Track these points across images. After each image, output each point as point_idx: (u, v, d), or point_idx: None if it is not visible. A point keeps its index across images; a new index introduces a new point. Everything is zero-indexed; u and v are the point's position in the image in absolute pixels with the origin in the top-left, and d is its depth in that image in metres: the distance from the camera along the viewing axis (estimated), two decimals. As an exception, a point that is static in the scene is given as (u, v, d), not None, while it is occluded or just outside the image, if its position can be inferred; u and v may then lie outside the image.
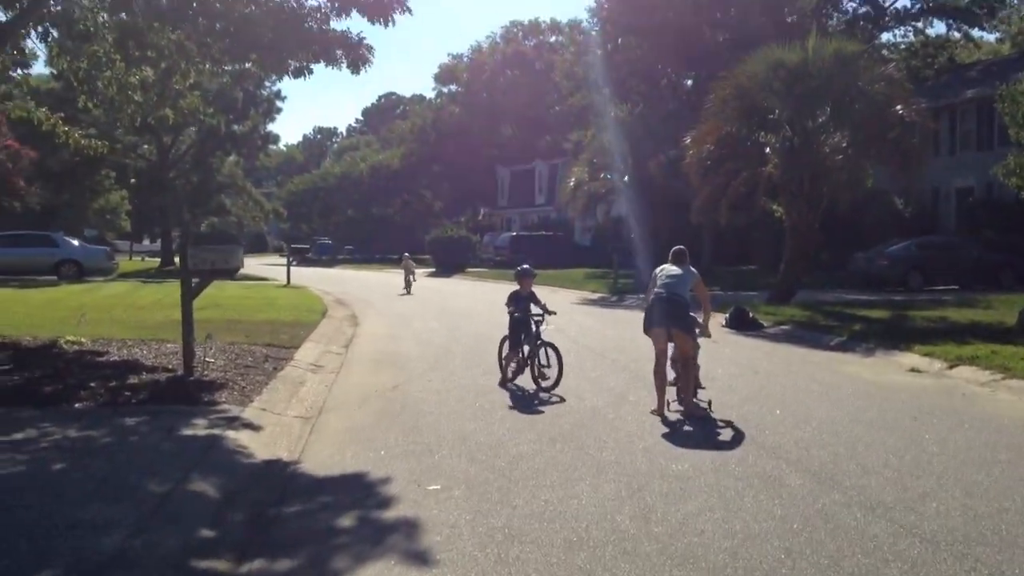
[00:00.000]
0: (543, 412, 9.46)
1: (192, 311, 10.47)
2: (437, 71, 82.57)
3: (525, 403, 9.96)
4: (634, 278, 30.48)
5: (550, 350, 10.65)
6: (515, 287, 11.50)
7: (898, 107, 19.75)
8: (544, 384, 10.48)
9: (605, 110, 37.64)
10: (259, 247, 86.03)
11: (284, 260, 36.86)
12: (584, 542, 5.42)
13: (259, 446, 7.76)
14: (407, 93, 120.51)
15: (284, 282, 31.48)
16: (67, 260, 30.75)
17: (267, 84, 40.73)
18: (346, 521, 5.94)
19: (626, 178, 29.17)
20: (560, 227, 53.66)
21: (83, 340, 12.37)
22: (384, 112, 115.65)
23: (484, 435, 8.32)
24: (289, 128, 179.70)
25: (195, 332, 10.81)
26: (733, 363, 13.11)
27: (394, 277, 40.21)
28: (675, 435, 8.34)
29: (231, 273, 10.37)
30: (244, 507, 6.19)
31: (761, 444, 7.89)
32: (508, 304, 11.14)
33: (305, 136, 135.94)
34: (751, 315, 18.42)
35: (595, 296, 28.10)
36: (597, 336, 16.65)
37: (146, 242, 74.69)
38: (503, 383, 10.96)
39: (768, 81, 20.14)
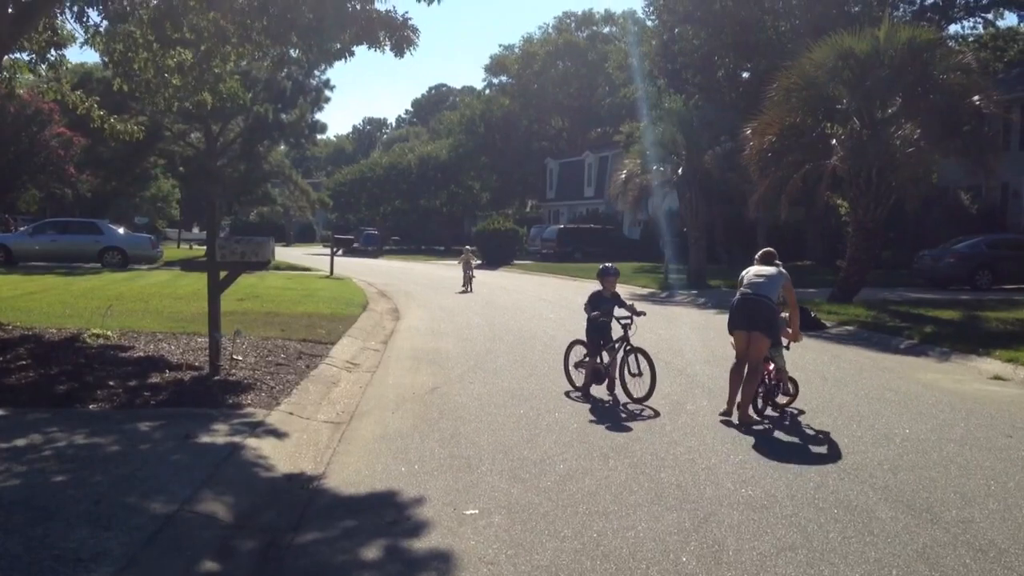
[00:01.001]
0: (593, 423, 8.64)
1: (219, 305, 9.82)
2: (488, 61, 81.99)
3: (574, 412, 9.14)
4: (685, 274, 29.54)
5: (640, 356, 9.53)
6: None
7: (975, 98, 18.56)
8: (636, 396, 9.38)
9: (659, 101, 36.62)
10: (307, 237, 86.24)
11: (329, 250, 36.30)
12: (644, 589, 4.62)
13: (282, 457, 7.06)
14: (458, 85, 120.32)
15: (327, 273, 30.95)
16: (111, 248, 30.53)
17: (316, 73, 40.30)
18: (370, 552, 5.19)
19: (680, 171, 28.10)
20: (609, 220, 52.71)
21: (109, 333, 11.80)
22: (434, 104, 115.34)
23: (528, 448, 7.54)
24: (339, 119, 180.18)
25: (223, 327, 10.19)
26: (798, 368, 12.13)
27: (440, 269, 39.65)
28: (740, 452, 7.47)
29: (261, 266, 9.70)
30: (257, 533, 5.48)
31: (841, 465, 7.01)
32: (588, 306, 9.90)
33: (355, 127, 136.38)
34: (813, 314, 17.42)
35: (644, 291, 27.16)
36: (648, 335, 15.63)
37: (195, 230, 75.16)
38: (577, 390, 9.93)
39: (837, 70, 19.08)
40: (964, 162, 19.28)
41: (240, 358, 10.42)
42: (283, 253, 54.05)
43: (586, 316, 9.91)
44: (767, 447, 7.66)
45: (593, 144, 64.72)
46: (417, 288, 27.12)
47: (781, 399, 9.23)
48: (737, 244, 37.69)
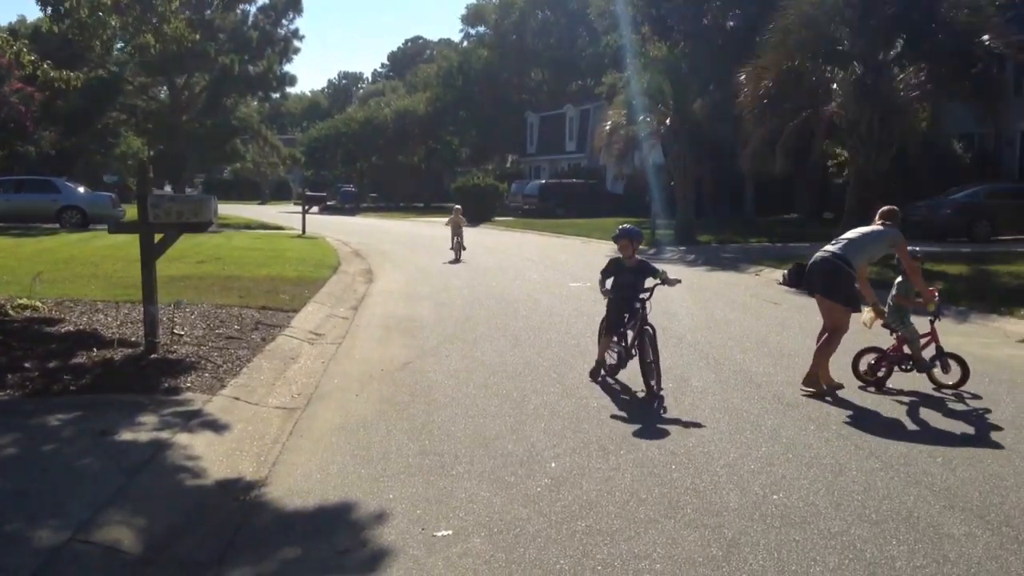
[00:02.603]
0: (586, 404, 7.48)
1: (154, 272, 8.54)
2: (465, 12, 79.89)
3: (564, 391, 7.97)
4: (672, 230, 28.39)
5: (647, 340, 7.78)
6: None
7: (985, 37, 17.35)
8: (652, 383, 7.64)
9: (643, 49, 35.19)
10: (283, 195, 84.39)
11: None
12: (670, 653, 3.49)
13: (217, 457, 5.88)
14: (434, 37, 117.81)
15: (300, 232, 29.59)
16: (70, 207, 28.97)
17: (284, 22, 38.48)
18: (311, 598, 4.04)
19: (668, 121, 26.77)
20: (591, 175, 51.35)
21: (39, 303, 10.51)
22: (410, 57, 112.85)
23: (513, 440, 6.39)
24: (313, 73, 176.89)
25: (176, 293, 8.95)
26: (806, 332, 11.03)
27: (418, 227, 38.31)
28: (763, 443, 6.33)
29: (201, 227, 8.44)
30: (170, 568, 4.31)
31: (885, 460, 5.89)
32: (604, 277, 8.18)
33: (330, 81, 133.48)
34: (814, 272, 16.31)
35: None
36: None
37: (167, 188, 73.23)
38: (595, 375, 8.21)
39: (837, 8, 17.80)
40: (974, 106, 18.09)
41: (182, 332, 9.19)
42: (257, 211, 52.49)
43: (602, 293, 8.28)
44: (791, 434, 6.52)
45: (574, 97, 63.06)
46: (394, 247, 25.85)
47: (942, 378, 7.99)
48: (725, 199, 36.56)
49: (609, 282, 8.20)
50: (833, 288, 7.85)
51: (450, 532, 4.69)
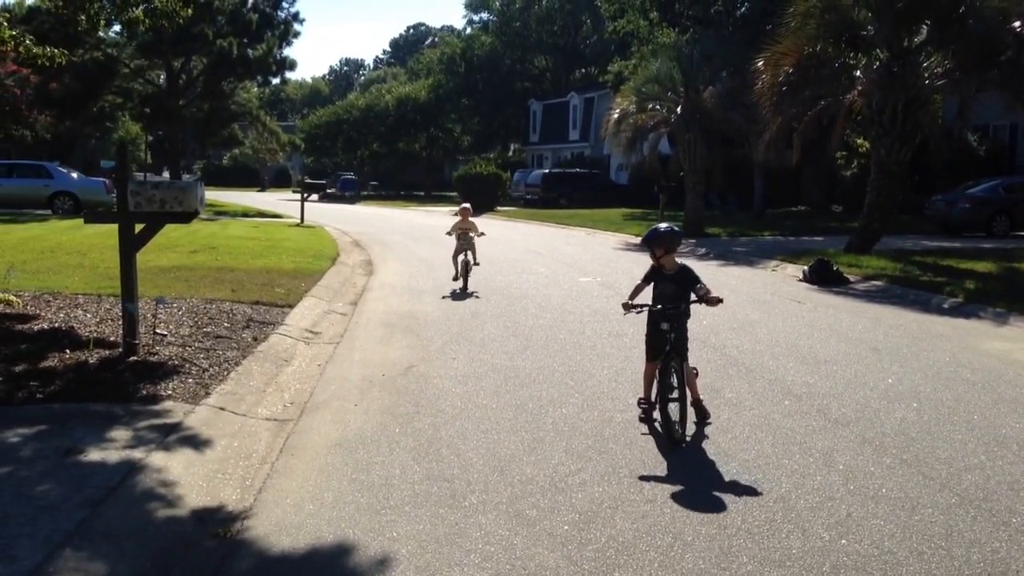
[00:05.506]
0: (609, 419, 6.73)
1: (134, 267, 7.83)
2: (468, -2, 78.87)
3: (584, 403, 7.23)
4: (681, 222, 27.60)
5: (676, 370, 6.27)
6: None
7: (1015, 24, 16.57)
8: (676, 435, 6.06)
9: (652, 36, 34.39)
10: (283, 182, 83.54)
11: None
12: None
13: (196, 481, 5.15)
14: (437, 24, 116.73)
15: (298, 220, 28.79)
16: (62, 192, 28.14)
17: (284, 4, 37.61)
18: None
19: (678, 109, 25.97)
20: (595, 165, 50.59)
21: (13, 298, 9.75)
22: (413, 44, 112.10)
23: (531, 461, 5.65)
24: (315, 60, 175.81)
25: (164, 285, 8.21)
26: (838, 335, 10.33)
27: (420, 216, 37.54)
28: (816, 469, 5.57)
29: (187, 217, 7.68)
30: (128, 634, 3.58)
31: (961, 494, 5.14)
32: (641, 285, 6.73)
33: (331, 68, 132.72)
34: (835, 267, 15.59)
35: (637, 240, 25.16)
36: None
37: (165, 174, 72.40)
38: (646, 417, 6.59)
39: (861, -9, 17.00)
40: (1002, 95, 17.34)
41: (165, 333, 8.43)
42: (255, 199, 51.72)
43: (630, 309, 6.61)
44: (848, 460, 5.77)
45: (578, 85, 62.23)
46: (395, 237, 25.08)
47: None
48: (733, 190, 35.76)
49: (642, 296, 6.67)
50: None
51: (466, 586, 3.96)
